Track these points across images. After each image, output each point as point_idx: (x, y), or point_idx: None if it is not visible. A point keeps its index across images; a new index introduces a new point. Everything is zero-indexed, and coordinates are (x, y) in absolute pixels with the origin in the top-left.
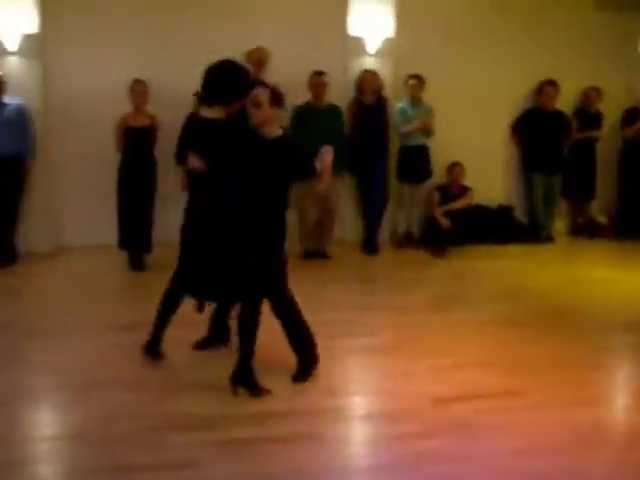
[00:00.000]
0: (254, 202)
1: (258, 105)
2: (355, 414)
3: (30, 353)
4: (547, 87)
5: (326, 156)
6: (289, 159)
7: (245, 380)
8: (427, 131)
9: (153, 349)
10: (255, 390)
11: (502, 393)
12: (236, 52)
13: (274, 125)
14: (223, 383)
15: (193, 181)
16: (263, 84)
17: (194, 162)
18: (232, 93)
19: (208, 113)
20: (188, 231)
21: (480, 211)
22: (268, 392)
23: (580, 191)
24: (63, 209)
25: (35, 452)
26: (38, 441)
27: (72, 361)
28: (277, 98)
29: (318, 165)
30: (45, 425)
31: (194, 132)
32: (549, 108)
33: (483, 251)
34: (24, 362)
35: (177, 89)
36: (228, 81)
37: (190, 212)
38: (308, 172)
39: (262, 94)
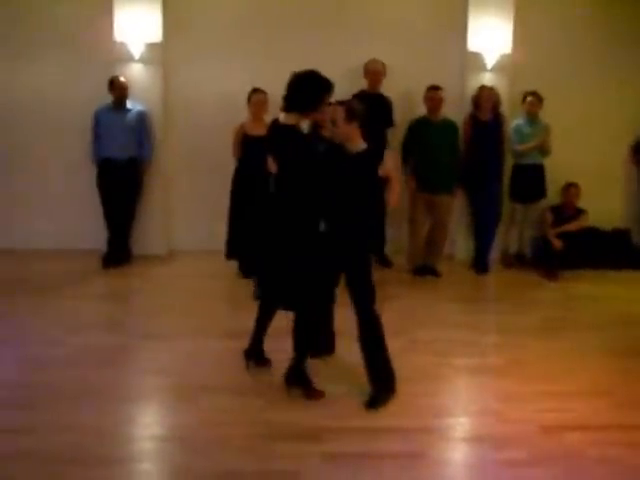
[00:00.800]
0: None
1: (334, 123)
2: (461, 435)
3: (141, 353)
4: None
5: (388, 160)
6: (368, 172)
7: (298, 381)
8: (544, 150)
9: (255, 355)
10: (309, 391)
11: (615, 426)
12: (354, 65)
13: (355, 140)
14: (331, 395)
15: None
16: (379, 96)
17: (272, 165)
18: (306, 101)
19: (284, 119)
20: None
21: (595, 234)
22: (321, 395)
23: None
24: (176, 213)
25: (141, 451)
26: (145, 440)
27: (182, 363)
28: (353, 113)
29: (380, 171)
30: (153, 425)
31: (271, 137)
32: None
33: (597, 276)
34: (135, 362)
35: None
36: (304, 90)
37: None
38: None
39: (337, 111)
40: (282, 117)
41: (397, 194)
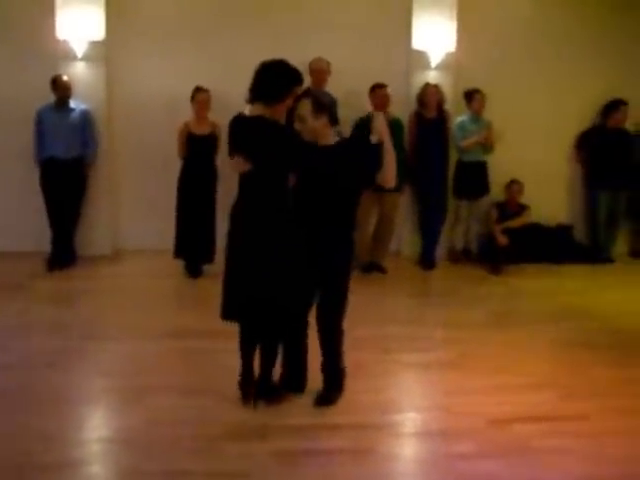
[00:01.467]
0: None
1: (301, 119)
2: (409, 431)
3: (87, 355)
4: (622, 106)
5: (376, 121)
6: (350, 160)
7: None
8: (487, 147)
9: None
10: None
11: (563, 416)
12: (298, 62)
13: (325, 136)
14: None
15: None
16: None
17: (239, 165)
18: (272, 92)
19: (250, 111)
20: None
21: (539, 229)
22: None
23: None
24: (122, 213)
25: (88, 453)
26: (92, 443)
27: (127, 364)
28: (320, 106)
29: (373, 137)
30: (99, 427)
31: (237, 133)
32: (618, 126)
33: (541, 270)
34: (81, 364)
35: (238, 97)
36: (270, 79)
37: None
38: (373, 165)
39: (303, 105)
40: (247, 110)
41: (393, 167)
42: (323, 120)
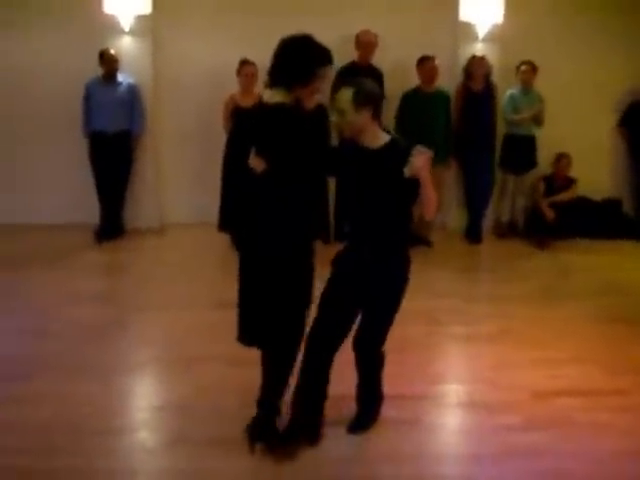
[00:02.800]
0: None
1: (340, 111)
2: (455, 402)
3: (136, 325)
4: None
5: (417, 159)
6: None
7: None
8: (538, 121)
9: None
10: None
11: (606, 391)
12: (344, 36)
13: (368, 133)
14: None
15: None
16: (370, 68)
17: (257, 163)
18: (294, 73)
19: (269, 97)
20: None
21: (586, 204)
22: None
23: None
24: (168, 186)
25: (136, 421)
26: (140, 410)
27: (174, 334)
28: (364, 97)
29: (407, 171)
30: (147, 395)
31: (254, 124)
32: None
33: (588, 245)
34: (130, 334)
35: None
36: (291, 59)
37: None
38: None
39: (342, 95)
40: (267, 95)
41: (434, 202)
42: (366, 114)
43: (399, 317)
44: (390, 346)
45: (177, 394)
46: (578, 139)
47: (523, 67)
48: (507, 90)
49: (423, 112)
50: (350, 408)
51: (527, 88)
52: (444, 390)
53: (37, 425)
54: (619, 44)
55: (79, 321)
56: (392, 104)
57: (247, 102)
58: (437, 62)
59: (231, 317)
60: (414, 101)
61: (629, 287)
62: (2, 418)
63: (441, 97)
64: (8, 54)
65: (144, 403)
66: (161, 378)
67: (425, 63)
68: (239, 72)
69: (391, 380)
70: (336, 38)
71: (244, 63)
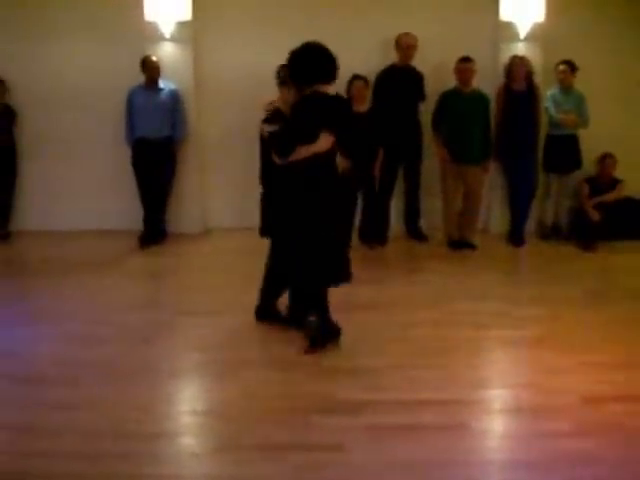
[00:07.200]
0: None
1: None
2: (503, 407)
3: (182, 330)
4: None
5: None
6: None
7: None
8: (583, 121)
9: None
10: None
11: None
12: (384, 38)
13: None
14: (372, 368)
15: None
16: (411, 70)
17: (327, 141)
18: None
19: (324, 88)
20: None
21: (633, 204)
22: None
23: None
24: (211, 192)
25: (182, 425)
26: (185, 415)
27: (220, 339)
28: None
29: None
30: (192, 400)
31: (327, 109)
32: None
33: (634, 247)
34: (174, 338)
35: None
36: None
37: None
38: None
39: None
40: (322, 88)
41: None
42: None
43: (446, 319)
44: (436, 349)
45: (223, 399)
46: (624, 139)
47: (561, 67)
48: (547, 90)
49: (460, 113)
50: None
51: (566, 88)
52: (491, 395)
53: (85, 430)
54: None
55: (126, 326)
56: (431, 104)
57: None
58: (474, 63)
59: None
60: (451, 101)
61: None
62: (52, 423)
63: (478, 98)
64: (54, 65)
65: (191, 408)
66: (207, 383)
67: (460, 65)
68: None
69: (438, 384)
70: (376, 40)
71: (283, 68)
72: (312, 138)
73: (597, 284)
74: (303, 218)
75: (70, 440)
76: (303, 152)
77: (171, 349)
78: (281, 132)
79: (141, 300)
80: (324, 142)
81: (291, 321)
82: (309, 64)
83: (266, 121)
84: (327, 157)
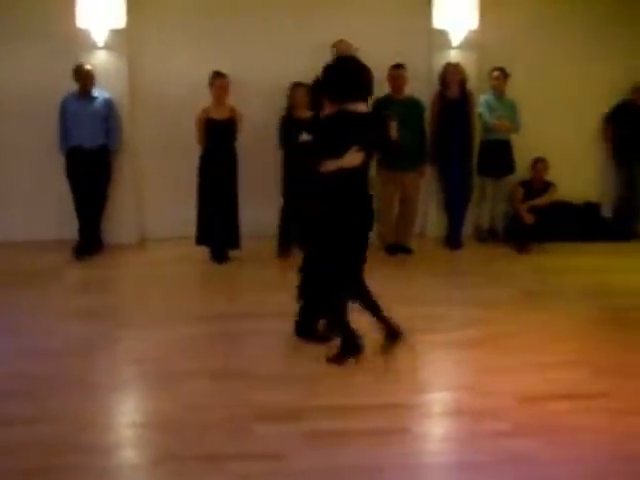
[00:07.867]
0: None
1: None
2: (442, 410)
3: (119, 341)
4: None
5: None
6: None
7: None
8: (515, 128)
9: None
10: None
11: (596, 394)
12: (319, 44)
13: None
14: (310, 374)
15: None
16: None
17: (356, 158)
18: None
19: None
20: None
21: (565, 207)
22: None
23: None
24: (146, 201)
25: (122, 438)
26: (125, 427)
27: (158, 350)
28: None
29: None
30: (133, 412)
31: (363, 125)
32: None
33: (568, 248)
34: (113, 350)
35: (257, 82)
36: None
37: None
38: None
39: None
40: (351, 107)
41: None
42: None
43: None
44: (374, 354)
45: (163, 410)
46: (557, 144)
47: (494, 73)
48: (480, 96)
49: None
50: None
51: (499, 94)
52: (431, 398)
53: (22, 445)
54: (599, 50)
55: (63, 339)
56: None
57: (220, 114)
58: (406, 70)
59: (215, 330)
60: (384, 108)
61: (611, 289)
62: None
63: (412, 104)
64: None
65: (130, 420)
66: (147, 395)
67: (393, 71)
68: (212, 84)
69: (376, 389)
70: (310, 45)
71: (216, 75)
72: (340, 153)
73: (532, 285)
74: (332, 231)
75: (6, 455)
76: (330, 166)
77: (109, 361)
78: (312, 143)
79: (78, 312)
80: (350, 158)
81: (328, 336)
82: (343, 80)
83: (305, 129)
84: (357, 173)
